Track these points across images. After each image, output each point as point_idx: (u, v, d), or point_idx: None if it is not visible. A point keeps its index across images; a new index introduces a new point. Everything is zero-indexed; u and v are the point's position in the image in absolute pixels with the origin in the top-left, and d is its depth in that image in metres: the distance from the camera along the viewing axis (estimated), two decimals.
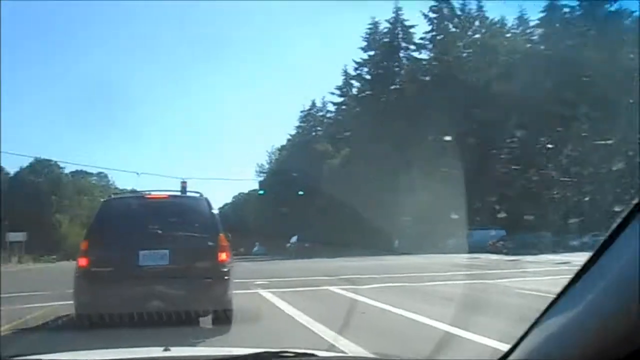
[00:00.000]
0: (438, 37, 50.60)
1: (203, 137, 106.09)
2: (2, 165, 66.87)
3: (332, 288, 12.35)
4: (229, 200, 76.14)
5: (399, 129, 46.22)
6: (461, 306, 8.60)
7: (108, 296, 5.83)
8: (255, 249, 55.11)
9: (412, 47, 52.63)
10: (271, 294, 11.24)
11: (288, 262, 27.57)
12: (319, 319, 7.49)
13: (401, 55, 53.02)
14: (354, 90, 59.12)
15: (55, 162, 66.88)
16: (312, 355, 1.70)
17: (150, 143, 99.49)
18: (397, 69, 52.67)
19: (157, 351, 1.92)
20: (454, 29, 50.47)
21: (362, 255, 28.23)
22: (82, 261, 6.20)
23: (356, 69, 56.84)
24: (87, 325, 6.07)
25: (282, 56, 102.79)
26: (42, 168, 67.05)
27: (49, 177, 67.66)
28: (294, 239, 47.97)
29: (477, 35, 50.33)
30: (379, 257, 24.57)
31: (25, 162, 66.18)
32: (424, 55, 52.18)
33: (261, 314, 8.26)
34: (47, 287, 13.09)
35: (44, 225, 60.94)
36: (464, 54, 49.72)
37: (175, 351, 1.94)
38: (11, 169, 67.20)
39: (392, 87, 51.82)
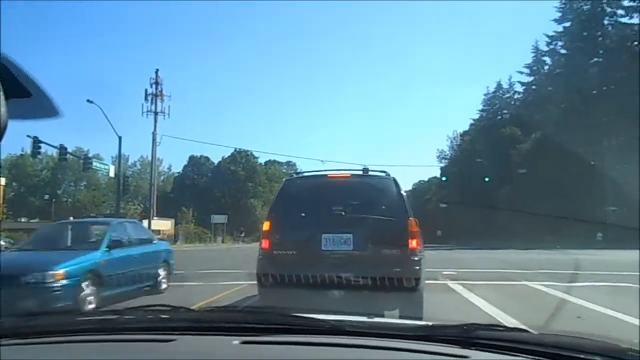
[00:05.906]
0: None
1: (383, 124, 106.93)
2: (207, 155, 75.37)
3: (531, 284, 10.90)
4: (409, 187, 75.55)
5: (601, 109, 40.79)
6: None
7: (289, 282, 5.44)
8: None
9: (621, 11, 45.75)
10: (461, 286, 10.27)
11: (478, 251, 26.01)
12: (524, 320, 6.31)
13: (606, 22, 46.47)
14: (546, 68, 54.06)
15: (251, 152, 73.33)
16: (525, 330, 1.44)
17: (333, 132, 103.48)
18: (600, 39, 46.33)
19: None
20: None
21: (554, 249, 25.72)
22: (265, 243, 5.93)
23: (549, 43, 52.00)
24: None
25: (465, 35, 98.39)
26: (240, 158, 74.01)
27: (246, 166, 74.44)
28: None
29: None
30: (577, 250, 21.73)
31: (227, 153, 73.72)
32: (635, 20, 45.01)
33: (454, 311, 7.38)
34: (242, 266, 13.70)
35: (241, 208, 67.32)
36: None
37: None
38: (215, 159, 75.49)
39: (593, 61, 45.83)
